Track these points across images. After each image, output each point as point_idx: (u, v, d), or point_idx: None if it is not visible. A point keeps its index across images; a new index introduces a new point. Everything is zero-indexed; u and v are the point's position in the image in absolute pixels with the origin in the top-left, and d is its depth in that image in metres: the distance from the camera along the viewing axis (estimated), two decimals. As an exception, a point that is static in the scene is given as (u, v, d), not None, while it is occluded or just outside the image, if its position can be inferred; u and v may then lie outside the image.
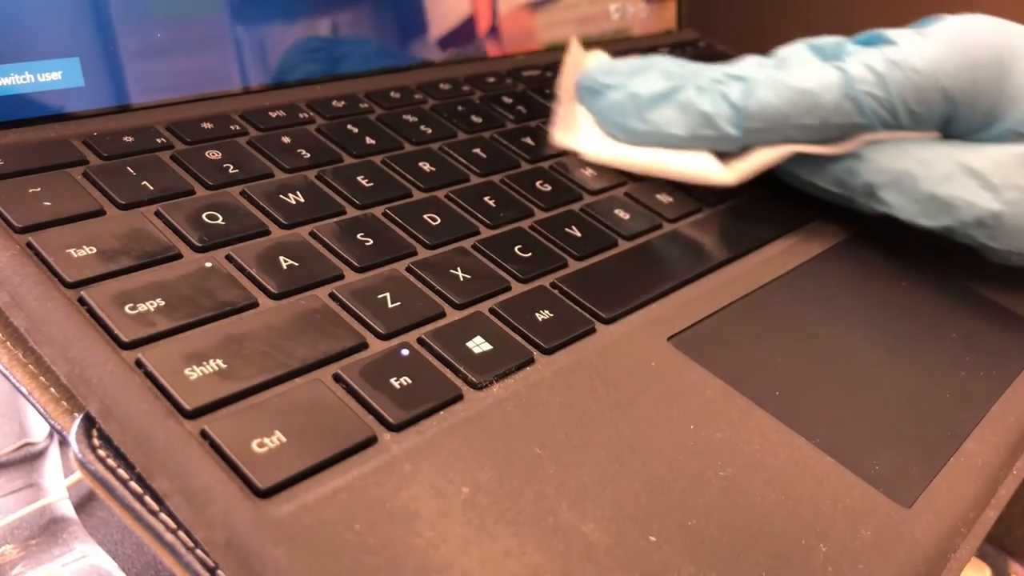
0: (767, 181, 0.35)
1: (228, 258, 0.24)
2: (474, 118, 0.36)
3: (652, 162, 0.33)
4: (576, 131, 0.35)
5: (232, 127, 0.30)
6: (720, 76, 0.33)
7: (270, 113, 0.32)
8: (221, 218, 0.25)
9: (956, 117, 0.31)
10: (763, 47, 0.54)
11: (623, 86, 0.34)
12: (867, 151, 0.31)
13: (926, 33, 0.32)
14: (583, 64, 0.38)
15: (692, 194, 0.35)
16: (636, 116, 0.33)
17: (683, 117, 0.32)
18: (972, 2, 0.59)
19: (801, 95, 0.30)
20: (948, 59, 0.30)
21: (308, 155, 0.30)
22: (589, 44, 0.47)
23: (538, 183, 0.33)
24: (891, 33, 0.33)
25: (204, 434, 0.19)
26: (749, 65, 0.34)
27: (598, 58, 0.39)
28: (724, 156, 0.33)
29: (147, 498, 0.18)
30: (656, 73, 0.34)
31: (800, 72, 0.31)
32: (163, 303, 0.22)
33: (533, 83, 0.41)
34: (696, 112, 0.32)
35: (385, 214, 0.28)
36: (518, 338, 0.24)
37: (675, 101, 0.32)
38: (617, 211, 0.32)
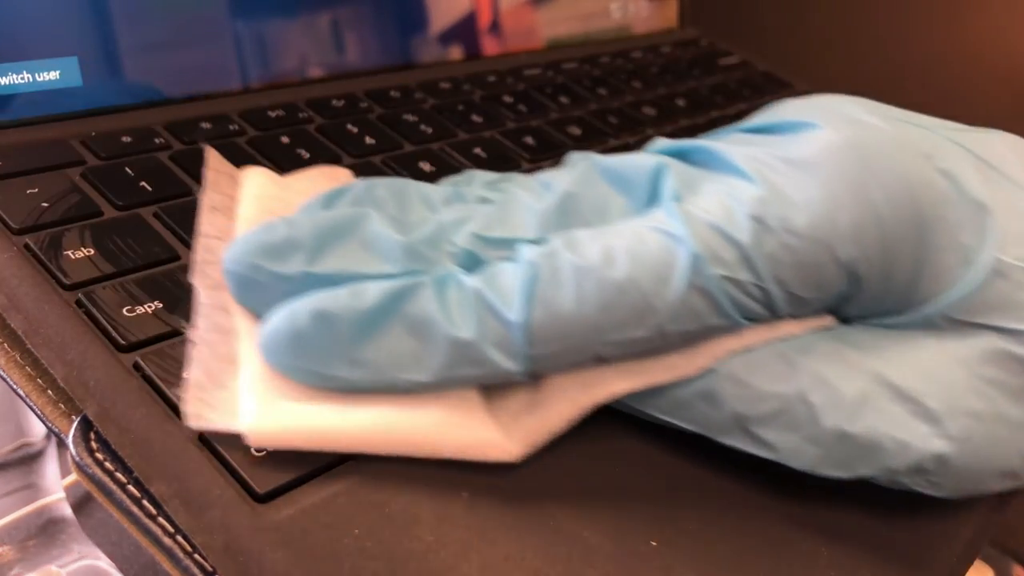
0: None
1: (227, 259, 0.24)
2: (474, 118, 0.36)
3: (378, 435, 0.18)
4: (228, 388, 0.19)
5: (231, 127, 0.30)
6: (472, 246, 0.20)
7: (269, 113, 0.32)
8: (220, 219, 0.25)
9: (857, 297, 0.20)
10: (763, 47, 0.54)
11: (311, 284, 0.19)
12: (731, 366, 0.20)
13: (798, 160, 0.20)
14: (241, 198, 0.23)
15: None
16: (340, 355, 0.18)
17: (423, 349, 0.18)
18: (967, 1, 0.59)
19: (620, 293, 0.18)
20: (844, 209, 0.19)
21: (308, 155, 0.30)
22: (590, 43, 0.47)
23: (539, 183, 0.32)
24: (734, 152, 0.21)
25: (202, 438, 0.18)
26: (508, 212, 0.21)
27: (258, 192, 0.23)
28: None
29: (145, 502, 0.18)
30: (362, 243, 0.20)
31: (608, 243, 0.19)
32: (161, 305, 0.21)
33: (534, 82, 0.41)
34: (445, 341, 0.18)
35: (385, 214, 0.28)
36: (518, 340, 0.24)
37: (405, 320, 0.18)
38: (618, 211, 0.32)
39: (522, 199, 0.21)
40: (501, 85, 0.40)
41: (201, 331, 0.19)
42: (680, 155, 0.22)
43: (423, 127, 0.34)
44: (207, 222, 0.22)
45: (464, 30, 0.41)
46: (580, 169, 0.21)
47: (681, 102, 0.43)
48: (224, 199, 0.23)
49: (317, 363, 0.18)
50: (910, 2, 0.59)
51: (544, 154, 0.35)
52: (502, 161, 0.33)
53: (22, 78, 0.27)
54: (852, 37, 0.59)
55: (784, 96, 0.47)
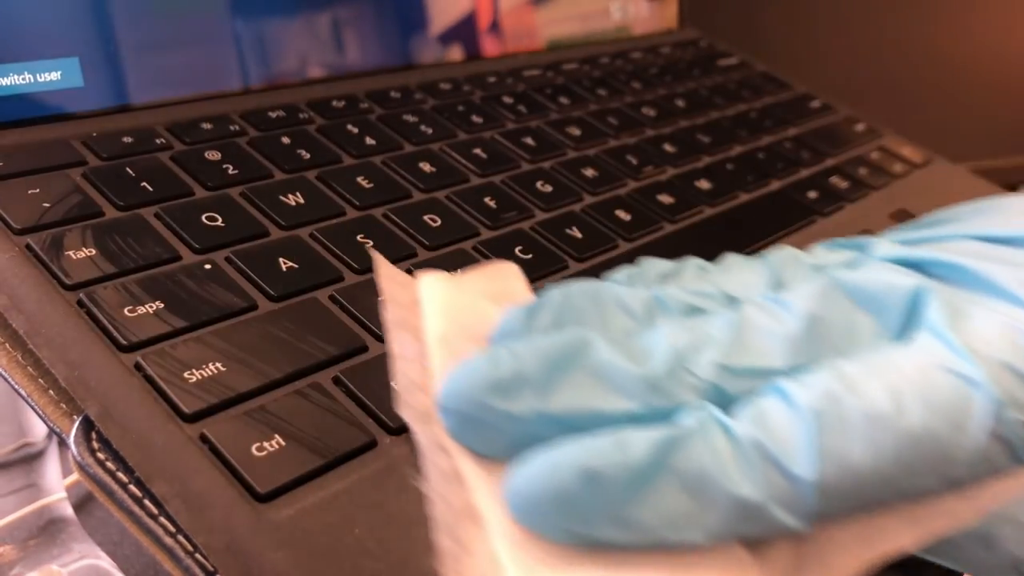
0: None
1: (227, 260, 0.24)
2: (474, 118, 0.36)
3: None
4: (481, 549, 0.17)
5: (232, 127, 0.30)
6: (718, 378, 0.18)
7: (270, 113, 0.32)
8: (220, 219, 0.25)
9: None
10: (764, 47, 0.54)
11: (542, 424, 0.17)
12: (1013, 508, 0.18)
13: None
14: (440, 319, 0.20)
15: (693, 195, 0.35)
16: (607, 515, 0.16)
17: (700, 508, 0.16)
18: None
19: (915, 444, 0.16)
20: None
21: (308, 155, 0.30)
22: (589, 44, 0.47)
23: (538, 183, 0.32)
24: (1000, 274, 0.19)
25: (204, 438, 0.18)
26: (747, 336, 0.18)
27: (440, 303, 0.20)
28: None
29: (146, 501, 0.18)
30: (593, 374, 0.17)
31: (893, 384, 0.17)
32: (162, 305, 0.21)
33: (534, 82, 0.41)
34: (725, 500, 0.16)
35: (385, 215, 0.28)
36: (518, 340, 0.24)
37: (678, 476, 0.16)
38: (617, 211, 0.32)
39: (758, 321, 0.18)
40: (501, 86, 0.40)
41: (433, 483, 0.18)
42: (915, 267, 0.20)
43: (423, 127, 0.34)
44: (397, 343, 0.20)
45: (464, 31, 0.41)
46: (820, 287, 0.19)
47: (680, 103, 0.43)
48: (405, 313, 0.21)
49: (581, 524, 0.16)
50: (909, 3, 0.59)
51: (544, 154, 0.35)
52: (502, 161, 0.33)
53: (23, 79, 0.27)
54: (851, 38, 0.60)
55: (784, 96, 0.47)
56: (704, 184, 0.36)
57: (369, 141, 0.32)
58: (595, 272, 0.28)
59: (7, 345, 0.21)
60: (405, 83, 0.37)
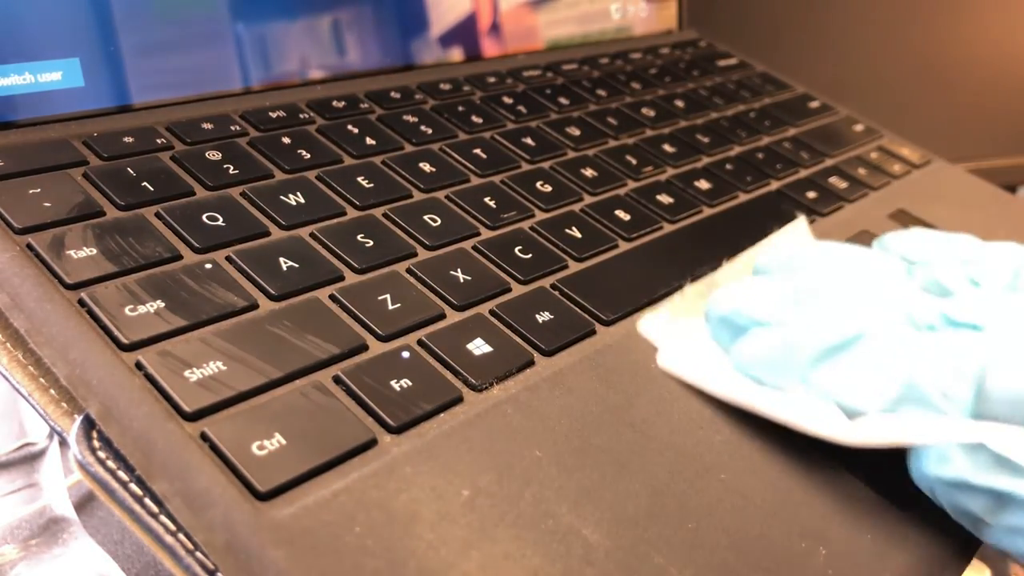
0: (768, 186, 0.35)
1: (228, 259, 0.24)
2: (474, 118, 0.36)
3: (766, 410, 0.23)
4: (688, 348, 0.25)
5: (232, 127, 0.30)
6: (931, 315, 0.22)
7: (270, 113, 0.32)
8: (221, 219, 0.25)
9: None
10: (763, 47, 0.54)
11: (778, 326, 0.23)
12: None
13: None
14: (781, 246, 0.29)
15: (692, 195, 0.35)
16: (792, 375, 0.22)
17: (870, 384, 0.21)
18: None
19: None
20: None
21: (308, 156, 0.30)
22: (589, 44, 0.47)
23: (538, 183, 0.33)
24: None
25: (204, 436, 0.19)
26: (974, 298, 0.22)
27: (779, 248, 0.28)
28: None
29: (147, 500, 0.18)
30: (826, 299, 0.23)
31: None
32: (163, 305, 0.22)
33: (533, 83, 0.41)
34: (895, 380, 0.21)
35: (385, 215, 0.28)
36: (518, 340, 0.24)
37: (857, 357, 0.21)
38: (617, 211, 0.32)
39: (954, 271, 0.24)
40: (501, 86, 0.40)
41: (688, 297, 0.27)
42: None
43: (423, 128, 0.34)
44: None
45: (464, 32, 0.41)
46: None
47: (680, 103, 0.43)
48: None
49: (775, 373, 0.22)
50: (908, 3, 0.59)
51: (544, 155, 0.35)
52: (502, 161, 0.33)
53: (24, 79, 0.27)
54: (851, 38, 0.60)
55: (783, 96, 0.48)
56: (703, 184, 0.36)
57: (369, 141, 0.32)
58: (595, 272, 0.28)
59: (8, 344, 0.21)
60: (405, 83, 0.37)
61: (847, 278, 0.24)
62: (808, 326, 0.22)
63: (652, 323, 0.26)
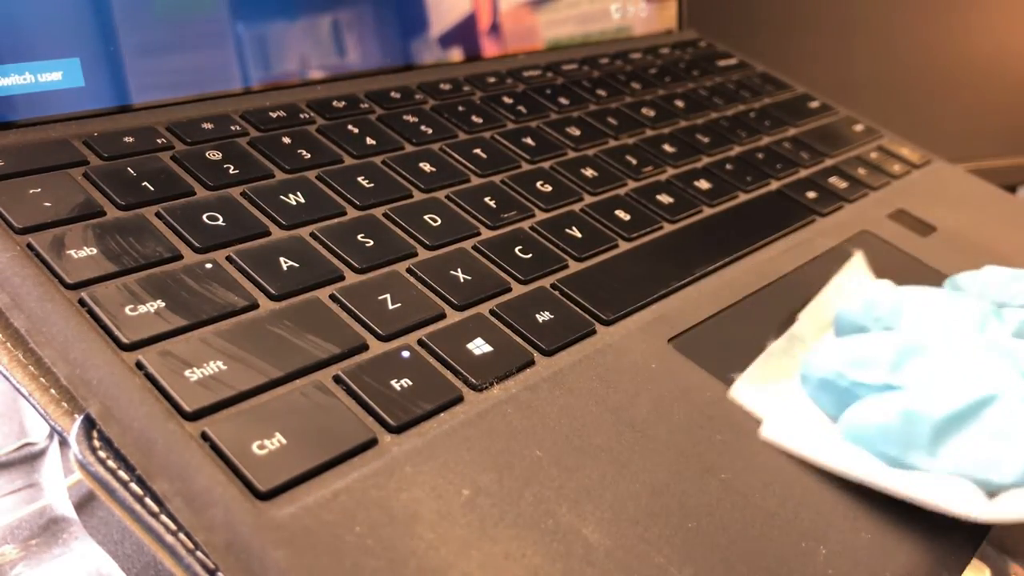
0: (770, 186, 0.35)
1: (228, 259, 0.24)
2: (474, 118, 0.36)
3: (895, 488, 0.21)
4: (792, 417, 0.24)
5: (232, 127, 0.30)
6: None
7: (270, 113, 0.32)
8: (221, 219, 0.25)
9: None
10: (763, 47, 0.54)
11: (892, 391, 0.21)
12: None
13: None
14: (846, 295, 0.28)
15: (692, 195, 0.35)
16: (918, 446, 0.20)
17: (1007, 452, 0.19)
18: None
19: None
20: None
21: (308, 155, 0.30)
22: (589, 44, 0.47)
23: (538, 183, 0.33)
24: None
25: (205, 436, 0.19)
26: None
27: (863, 297, 0.26)
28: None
29: (147, 500, 0.18)
30: (940, 358, 0.22)
31: None
32: (163, 304, 0.22)
33: (533, 83, 0.41)
34: None
35: (386, 215, 0.28)
36: (518, 339, 0.24)
37: (989, 425, 0.20)
38: (617, 211, 0.32)
39: None
40: (501, 86, 0.40)
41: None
42: None
43: (423, 128, 0.34)
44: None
45: (464, 32, 0.41)
46: None
47: (680, 103, 0.43)
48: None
49: (893, 447, 0.21)
50: (907, 4, 0.59)
51: (544, 155, 0.35)
52: (502, 161, 0.33)
53: (25, 79, 0.27)
54: (851, 38, 0.60)
55: (783, 96, 0.48)
56: (703, 184, 0.36)
57: (369, 141, 0.32)
58: (595, 272, 0.28)
59: (8, 344, 0.21)
60: (405, 83, 0.37)
61: (949, 331, 0.23)
62: (927, 391, 0.21)
63: (746, 390, 0.24)
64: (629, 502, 0.20)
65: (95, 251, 0.23)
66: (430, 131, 0.34)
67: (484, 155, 0.34)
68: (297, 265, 0.24)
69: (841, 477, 0.22)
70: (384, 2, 0.38)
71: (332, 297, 0.24)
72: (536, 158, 0.35)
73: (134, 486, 0.19)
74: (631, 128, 0.39)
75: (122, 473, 0.19)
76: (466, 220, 0.29)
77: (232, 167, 0.28)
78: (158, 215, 0.25)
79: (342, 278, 0.25)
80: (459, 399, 0.22)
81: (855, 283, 0.30)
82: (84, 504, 0.30)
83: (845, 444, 0.22)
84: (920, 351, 0.22)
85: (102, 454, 0.19)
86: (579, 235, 0.30)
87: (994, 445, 0.20)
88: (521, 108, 0.38)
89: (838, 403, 0.23)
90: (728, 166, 0.38)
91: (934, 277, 0.33)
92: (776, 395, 0.24)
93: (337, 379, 0.21)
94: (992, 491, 0.20)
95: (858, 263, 0.31)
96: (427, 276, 0.26)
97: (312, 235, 0.26)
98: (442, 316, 0.24)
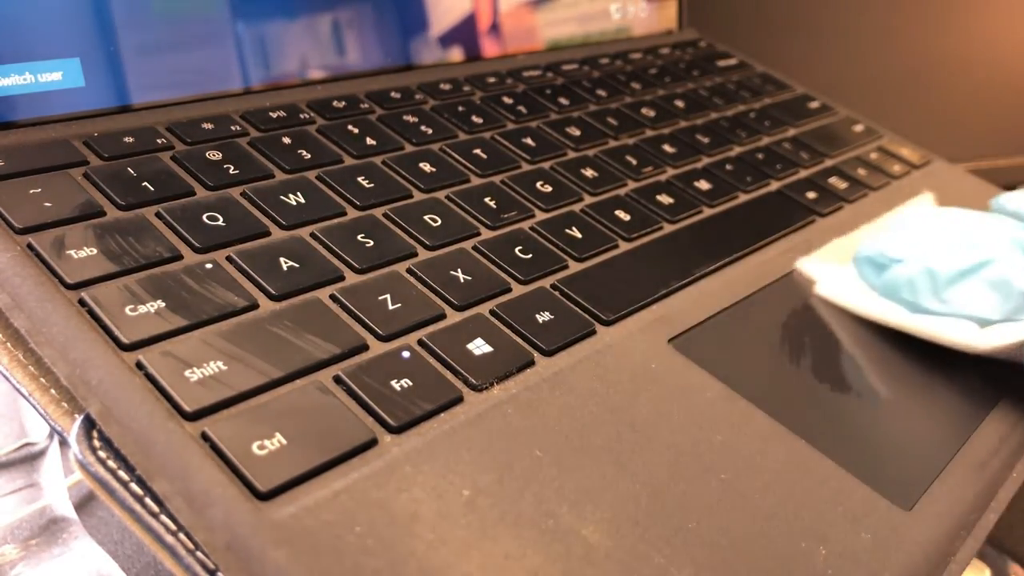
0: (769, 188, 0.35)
1: (228, 259, 0.24)
2: (474, 118, 0.36)
3: (915, 327, 0.29)
4: (838, 272, 0.31)
5: (232, 127, 0.30)
6: None
7: (271, 113, 0.32)
8: (221, 219, 0.25)
9: None
10: (764, 47, 0.54)
11: (915, 260, 0.29)
12: None
13: None
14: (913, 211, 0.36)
15: (692, 195, 0.35)
16: (932, 295, 0.28)
17: (995, 297, 0.27)
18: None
19: None
20: None
21: (308, 156, 0.30)
22: (589, 45, 0.47)
23: (538, 183, 0.33)
24: None
25: (205, 436, 0.19)
26: None
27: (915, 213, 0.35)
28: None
29: (147, 500, 0.18)
30: (953, 241, 0.29)
31: None
32: (163, 304, 0.22)
33: (533, 83, 0.41)
34: (1015, 292, 0.27)
35: (386, 215, 0.28)
36: (518, 340, 0.24)
37: (983, 278, 0.28)
38: (617, 211, 0.32)
39: None
40: (501, 86, 0.40)
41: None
42: None
43: (423, 128, 0.34)
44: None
45: (464, 32, 0.41)
46: None
47: (680, 103, 0.43)
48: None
49: (915, 296, 0.28)
50: (907, 4, 0.59)
51: (544, 155, 0.35)
52: (502, 161, 0.33)
53: (25, 79, 0.27)
54: (851, 38, 0.60)
55: (783, 97, 0.48)
56: (703, 184, 0.36)
57: (370, 141, 0.32)
58: (595, 272, 0.28)
59: (8, 344, 0.21)
60: (405, 84, 0.37)
61: (971, 223, 0.30)
62: (943, 255, 0.28)
63: (810, 263, 0.32)
64: (629, 502, 0.20)
65: (95, 251, 0.23)
66: (430, 131, 0.34)
67: (484, 155, 0.34)
68: (297, 265, 0.24)
69: (876, 323, 0.29)
70: (384, 2, 0.38)
71: (332, 297, 0.24)
72: (536, 158, 0.35)
73: (134, 486, 0.19)
74: (631, 128, 0.39)
75: (122, 473, 0.19)
76: (466, 220, 0.29)
77: (232, 167, 0.28)
78: (158, 215, 0.25)
79: (342, 278, 0.25)
80: (459, 399, 0.22)
81: (915, 210, 0.36)
82: (84, 504, 0.30)
83: (881, 299, 0.29)
84: (945, 233, 0.30)
85: (102, 454, 0.19)
86: (579, 235, 0.30)
87: (986, 291, 0.27)
88: (521, 108, 0.38)
89: (879, 275, 0.30)
90: (728, 166, 0.38)
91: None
92: (834, 269, 0.31)
93: (337, 379, 0.21)
94: (986, 326, 0.27)
95: (927, 197, 0.38)
96: (427, 276, 0.26)
97: (312, 235, 0.26)
98: (442, 316, 0.24)
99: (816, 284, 0.31)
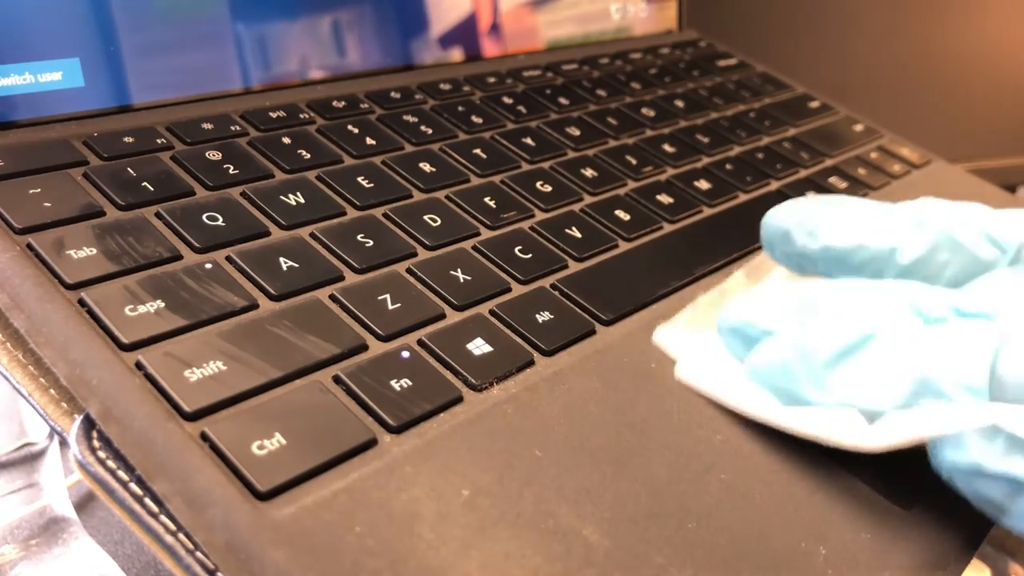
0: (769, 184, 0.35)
1: (228, 259, 0.24)
2: (474, 118, 0.36)
3: (790, 425, 0.22)
4: (705, 360, 0.25)
5: (232, 127, 0.30)
6: (940, 308, 0.22)
7: (270, 113, 0.32)
8: (221, 219, 0.25)
9: None
10: (764, 47, 0.54)
11: (788, 332, 0.23)
12: None
13: None
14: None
15: (692, 195, 0.35)
16: (810, 380, 0.22)
17: (889, 380, 0.21)
18: None
19: None
20: None
21: (308, 156, 0.30)
22: (589, 45, 0.47)
23: (538, 183, 0.33)
24: None
25: (204, 436, 0.19)
26: (989, 287, 0.23)
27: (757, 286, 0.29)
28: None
29: (147, 500, 0.18)
30: (835, 304, 0.23)
31: None
32: (163, 304, 0.22)
33: (533, 83, 0.41)
34: (909, 374, 0.20)
35: (385, 215, 0.28)
36: (518, 340, 0.24)
37: (872, 357, 0.21)
38: (617, 211, 0.32)
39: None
40: (501, 86, 0.40)
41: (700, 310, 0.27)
42: None
43: (423, 128, 0.34)
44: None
45: (464, 32, 0.41)
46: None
47: (680, 103, 0.43)
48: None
49: (789, 382, 0.22)
50: (907, 4, 0.59)
51: (544, 155, 0.35)
52: (502, 161, 0.33)
53: (24, 79, 0.27)
54: (851, 38, 0.60)
55: (783, 97, 0.48)
56: (703, 184, 0.36)
57: (369, 141, 0.32)
58: (595, 272, 0.28)
59: (8, 344, 0.21)
60: (405, 84, 0.37)
61: (852, 277, 0.25)
62: (819, 331, 0.22)
63: (668, 334, 0.26)
64: (629, 502, 0.20)
65: (95, 251, 0.23)
66: (430, 131, 0.34)
67: (484, 155, 0.34)
68: (297, 265, 0.24)
69: (749, 418, 0.23)
70: (384, 2, 0.38)
71: (332, 297, 0.24)
72: (536, 158, 0.35)
73: (134, 486, 0.19)
74: (631, 128, 0.39)
75: (122, 473, 0.19)
76: (466, 220, 0.29)
77: (232, 167, 0.28)
78: (158, 215, 0.25)
79: (342, 278, 0.25)
80: (459, 399, 0.22)
81: None
82: (84, 504, 0.30)
83: (749, 384, 0.23)
84: (822, 299, 0.23)
85: (102, 454, 0.19)
86: (579, 235, 0.30)
87: (873, 375, 0.21)
88: (521, 108, 0.38)
89: (748, 349, 0.24)
90: (728, 166, 0.38)
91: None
92: (697, 342, 0.25)
93: (337, 379, 0.21)
94: (876, 418, 0.21)
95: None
96: (427, 276, 0.26)
97: (312, 235, 0.26)
98: (442, 316, 0.24)
99: (676, 364, 0.25)
